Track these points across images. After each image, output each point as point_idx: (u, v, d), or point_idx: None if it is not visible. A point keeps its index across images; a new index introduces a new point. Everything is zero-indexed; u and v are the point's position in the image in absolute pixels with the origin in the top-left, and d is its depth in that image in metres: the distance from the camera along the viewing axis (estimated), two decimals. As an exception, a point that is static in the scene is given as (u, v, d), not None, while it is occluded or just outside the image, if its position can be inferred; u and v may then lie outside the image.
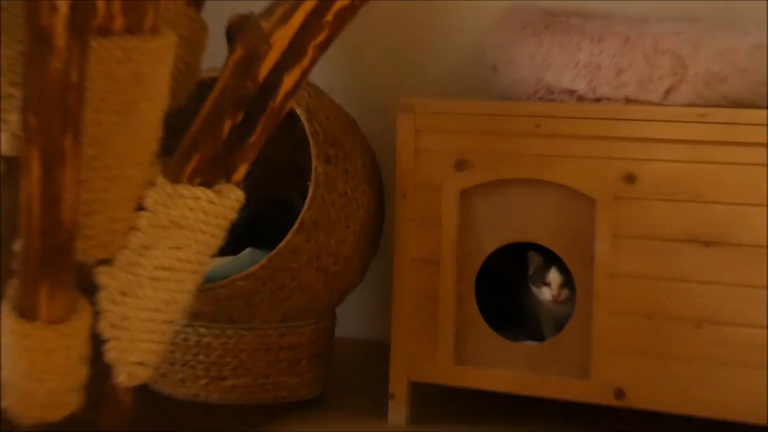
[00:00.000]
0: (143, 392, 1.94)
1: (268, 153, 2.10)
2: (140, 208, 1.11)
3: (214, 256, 1.81)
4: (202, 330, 1.86)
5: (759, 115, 1.64)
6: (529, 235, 1.77)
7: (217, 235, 1.16)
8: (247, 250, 1.87)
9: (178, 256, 1.12)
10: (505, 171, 1.77)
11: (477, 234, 1.80)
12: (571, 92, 1.76)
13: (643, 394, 1.71)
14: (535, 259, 1.82)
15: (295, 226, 1.75)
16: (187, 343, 1.87)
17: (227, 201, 1.15)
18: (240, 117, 1.11)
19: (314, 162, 1.77)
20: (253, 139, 1.13)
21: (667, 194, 1.68)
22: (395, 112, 1.81)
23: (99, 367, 1.08)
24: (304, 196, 1.78)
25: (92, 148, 1.03)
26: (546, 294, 1.80)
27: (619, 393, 1.72)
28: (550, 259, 1.79)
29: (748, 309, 1.65)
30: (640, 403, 1.71)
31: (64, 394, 1.03)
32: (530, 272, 1.83)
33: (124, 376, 1.10)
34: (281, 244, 1.75)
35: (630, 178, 1.70)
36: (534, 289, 1.82)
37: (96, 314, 1.08)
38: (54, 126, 0.92)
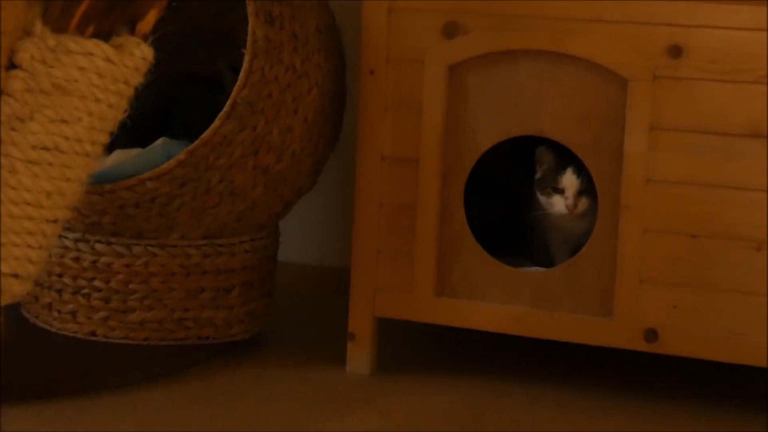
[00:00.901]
0: (22, 327, 1.98)
1: (190, 12, 2.09)
2: (12, 65, 1.09)
3: (115, 147, 1.82)
4: (100, 247, 1.85)
5: None
6: (540, 126, 1.77)
7: (116, 106, 1.14)
8: (160, 141, 1.86)
9: (64, 132, 1.10)
10: (510, 39, 1.76)
11: (470, 124, 1.80)
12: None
13: (681, 338, 1.73)
14: (545, 158, 1.82)
15: (225, 109, 1.74)
16: (80, 265, 1.86)
17: (130, 59, 1.13)
18: (149, -58, 1.09)
19: (251, 22, 1.75)
20: (166, -26, 1.12)
21: (724, 73, 1.68)
22: (362, -44, 1.80)
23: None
24: (237, 71, 1.76)
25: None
26: (558, 204, 1.81)
27: (651, 335, 1.74)
28: (566, 158, 1.80)
29: (825, 226, 1.67)
30: (678, 348, 1.73)
31: None
32: (538, 176, 1.84)
33: (-8, 291, 1.10)
34: (206, 133, 1.74)
35: (675, 51, 1.70)
36: (542, 197, 1.83)
37: (-47, 208, 1.07)
38: None
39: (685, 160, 1.71)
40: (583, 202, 1.79)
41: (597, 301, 1.77)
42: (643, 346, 1.75)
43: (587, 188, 1.78)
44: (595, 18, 1.72)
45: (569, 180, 1.79)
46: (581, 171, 1.77)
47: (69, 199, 1.14)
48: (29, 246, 1.12)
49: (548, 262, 1.86)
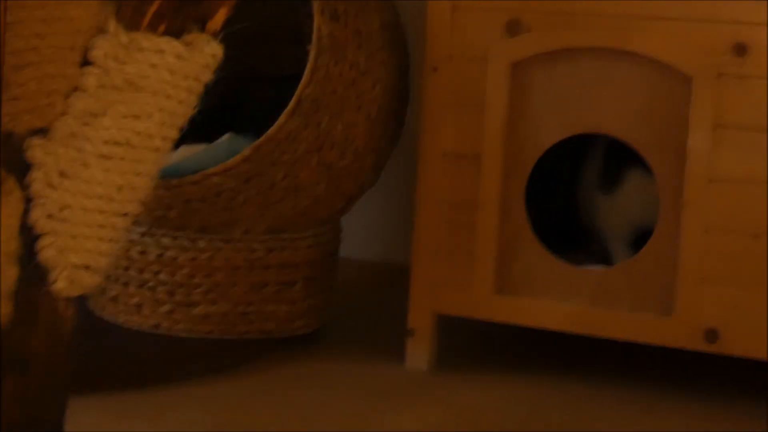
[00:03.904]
0: (88, 320, 2.00)
1: (255, 9, 2.10)
2: (86, 62, 1.10)
3: (182, 143, 1.84)
4: (166, 241, 1.87)
5: None
6: (602, 124, 1.77)
7: (186, 102, 1.15)
8: (226, 137, 1.88)
9: (135, 128, 1.11)
10: (573, 37, 1.76)
11: (532, 121, 1.80)
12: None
13: (742, 338, 1.72)
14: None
15: (291, 105, 1.76)
16: (146, 258, 1.89)
17: (200, 56, 1.14)
18: (220, -59, 1.11)
19: (317, 20, 1.76)
20: (236, -27, 1.13)
21: (789, 72, 1.67)
22: (426, -47, 1.81)
23: (32, 270, 1.10)
24: (302, 68, 1.78)
25: (21, -23, 1.03)
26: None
27: (712, 335, 1.73)
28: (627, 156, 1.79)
29: None
30: (739, 348, 1.72)
31: (-15, 301, 1.05)
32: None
33: (64, 282, 1.11)
34: (272, 130, 1.76)
35: (740, 49, 1.69)
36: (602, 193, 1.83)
37: (28, 201, 1.09)
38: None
39: (748, 159, 1.70)
40: None
41: (657, 300, 1.76)
42: (703, 346, 1.74)
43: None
44: (659, 16, 1.72)
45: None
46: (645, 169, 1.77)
47: (139, 193, 1.15)
48: (100, 239, 1.13)
49: (608, 260, 1.85)
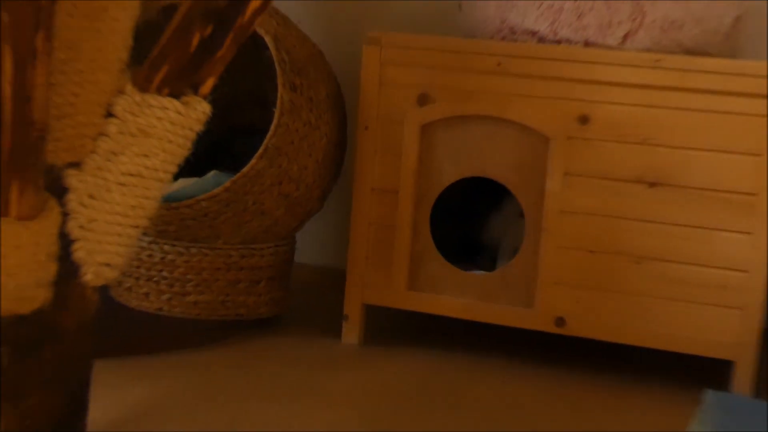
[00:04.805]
0: (110, 304, 1.98)
1: (234, 80, 2.10)
2: (109, 114, 1.11)
3: (179, 176, 1.83)
4: (167, 247, 1.86)
5: (710, 63, 1.67)
6: (486, 169, 1.79)
7: (183, 146, 1.16)
8: (212, 173, 1.87)
9: (145, 164, 1.12)
10: (466, 107, 1.78)
11: (436, 167, 1.82)
12: (533, 33, 1.77)
13: (582, 324, 1.75)
14: None
15: (260, 151, 1.76)
16: (152, 260, 1.87)
17: (194, 112, 1.15)
18: (209, 30, 1.11)
19: (280, 90, 1.76)
20: (220, 53, 1.13)
21: (618, 136, 1.71)
22: (361, 44, 1.82)
23: (68, 266, 1.09)
24: (268, 124, 1.78)
25: (63, 52, 1.02)
26: None
27: (560, 321, 1.76)
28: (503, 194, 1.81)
29: (686, 247, 1.70)
30: (579, 331, 1.76)
31: (33, 288, 1.03)
32: None
33: (91, 275, 1.11)
34: (245, 168, 1.76)
35: (584, 119, 1.73)
36: None
37: (65, 215, 1.08)
38: (26, 23, 0.92)
39: (588, 197, 1.74)
40: None
41: (523, 296, 1.79)
42: (554, 330, 1.77)
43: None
44: (527, 93, 1.75)
45: None
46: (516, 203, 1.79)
47: (147, 212, 1.15)
48: (118, 244, 1.13)
49: (492, 268, 1.88)
